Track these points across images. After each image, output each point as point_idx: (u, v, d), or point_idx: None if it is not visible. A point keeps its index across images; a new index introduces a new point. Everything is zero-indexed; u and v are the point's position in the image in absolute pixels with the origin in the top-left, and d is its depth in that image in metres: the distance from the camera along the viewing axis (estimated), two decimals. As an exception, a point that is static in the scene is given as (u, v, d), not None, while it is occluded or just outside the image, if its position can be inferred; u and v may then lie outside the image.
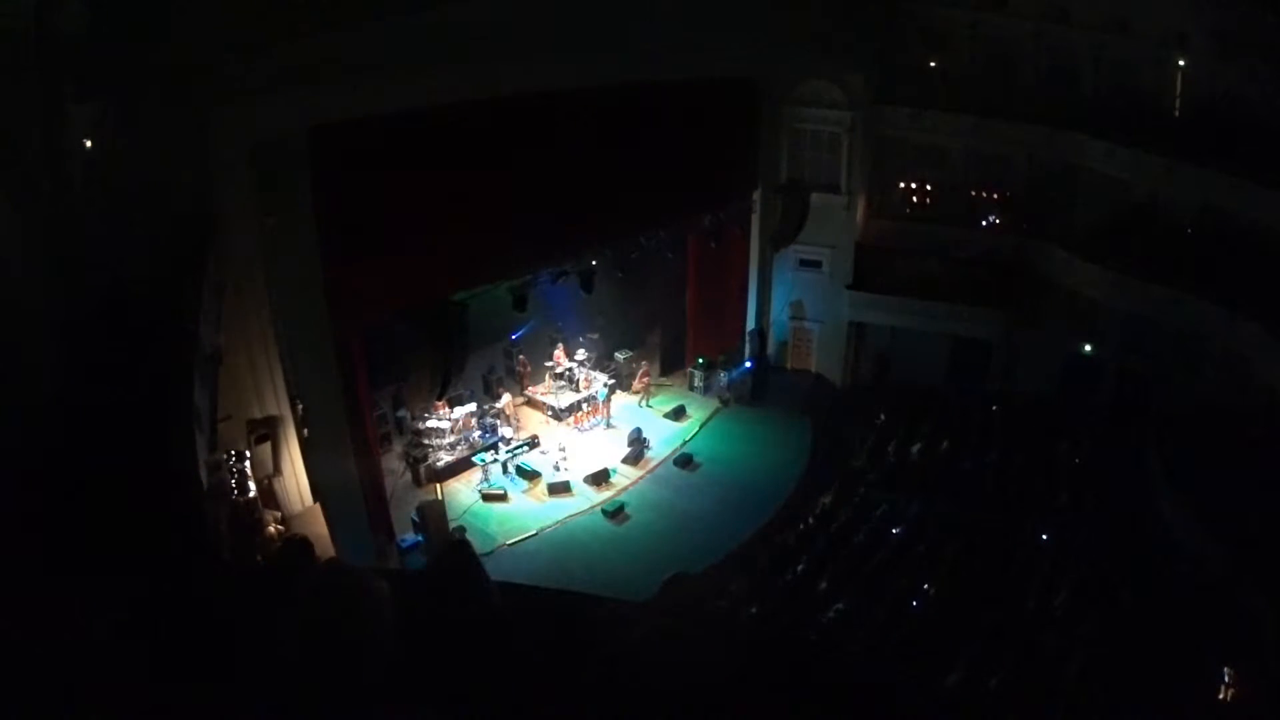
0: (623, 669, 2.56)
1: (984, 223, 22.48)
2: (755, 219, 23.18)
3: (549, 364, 23.11)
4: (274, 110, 12.50)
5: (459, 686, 2.72)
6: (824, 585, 15.59)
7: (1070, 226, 21.37)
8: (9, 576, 4.69)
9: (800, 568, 16.26)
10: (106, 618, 3.87)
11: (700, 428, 22.41)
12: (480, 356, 21.15)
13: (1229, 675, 12.36)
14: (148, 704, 3.19)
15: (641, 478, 20.27)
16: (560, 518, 18.65)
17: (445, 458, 19.89)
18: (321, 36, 12.44)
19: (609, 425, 22.08)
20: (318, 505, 14.71)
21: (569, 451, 20.41)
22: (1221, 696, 12.29)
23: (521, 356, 23.49)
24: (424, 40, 13.65)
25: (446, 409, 20.40)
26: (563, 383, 22.90)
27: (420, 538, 17.35)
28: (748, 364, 23.88)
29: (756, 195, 22.92)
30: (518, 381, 23.40)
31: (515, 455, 20.25)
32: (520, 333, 22.95)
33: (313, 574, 2.79)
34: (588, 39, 15.89)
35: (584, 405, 22.31)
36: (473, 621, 2.93)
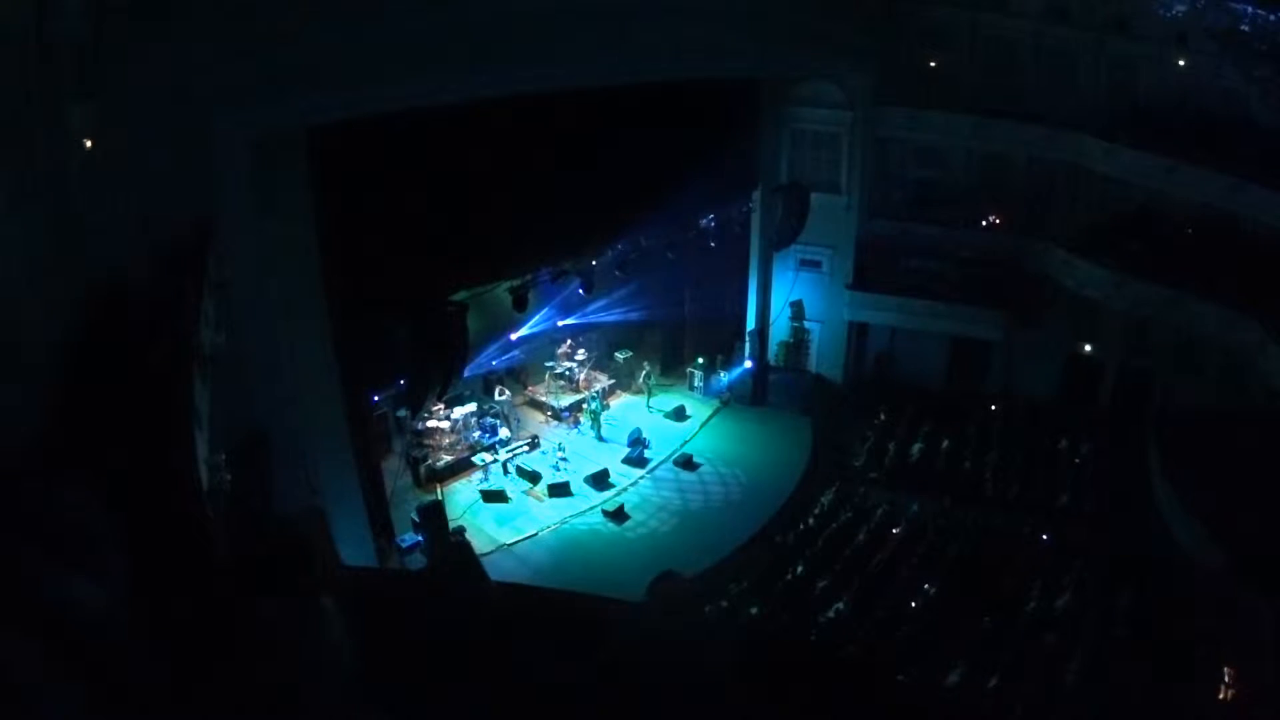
0: (623, 667, 2.56)
1: (984, 223, 22.47)
2: (755, 219, 23.18)
3: (549, 364, 23.11)
4: (274, 110, 12.50)
5: (458, 685, 2.72)
6: (824, 585, 15.61)
7: (1071, 226, 21.36)
8: (8, 577, 4.69)
9: (800, 568, 16.27)
10: (106, 618, 3.86)
11: (700, 428, 22.41)
12: (480, 356, 21.12)
13: (1229, 675, 12.34)
14: (147, 703, 3.19)
15: (641, 478, 20.28)
16: (560, 518, 18.67)
17: (445, 458, 19.90)
18: (322, 36, 12.44)
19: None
20: (317, 505, 14.67)
21: (567, 452, 20.41)
22: (1221, 696, 12.28)
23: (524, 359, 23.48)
24: (423, 41, 13.65)
25: (445, 409, 20.40)
26: (563, 382, 22.88)
27: (420, 538, 17.36)
28: (748, 364, 23.88)
29: (756, 195, 22.92)
30: (519, 381, 23.40)
31: (515, 455, 20.25)
32: (520, 332, 22.94)
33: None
34: (588, 39, 15.89)
35: (583, 405, 22.30)
36: (473, 621, 2.93)
